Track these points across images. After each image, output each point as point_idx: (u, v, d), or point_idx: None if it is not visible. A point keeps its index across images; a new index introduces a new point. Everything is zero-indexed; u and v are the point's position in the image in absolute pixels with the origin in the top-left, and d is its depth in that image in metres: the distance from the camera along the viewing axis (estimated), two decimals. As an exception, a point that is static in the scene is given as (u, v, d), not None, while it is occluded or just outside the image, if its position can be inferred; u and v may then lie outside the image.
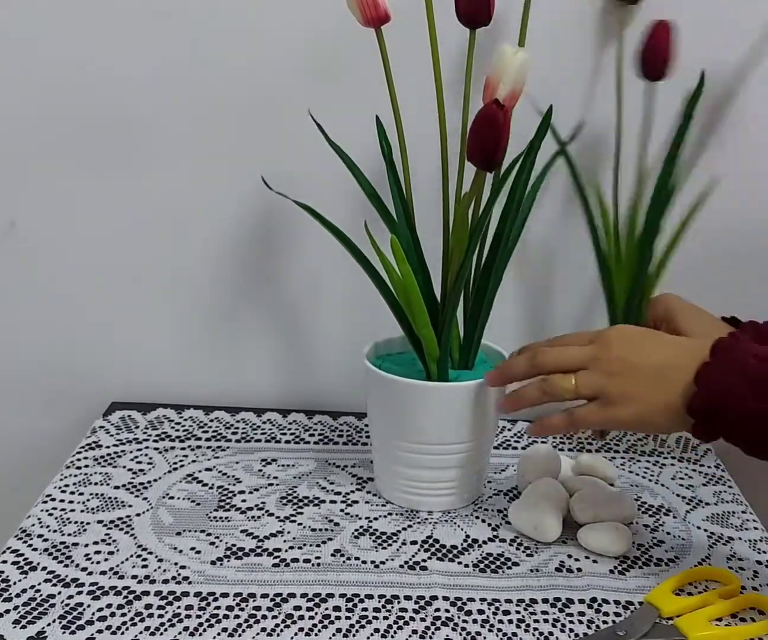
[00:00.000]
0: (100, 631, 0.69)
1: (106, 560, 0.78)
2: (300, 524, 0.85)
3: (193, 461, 0.95)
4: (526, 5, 0.83)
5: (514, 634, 0.71)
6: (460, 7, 0.81)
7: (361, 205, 0.89)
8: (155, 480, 0.91)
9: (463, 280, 0.82)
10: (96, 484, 0.90)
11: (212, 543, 0.81)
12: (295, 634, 0.70)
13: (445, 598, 0.75)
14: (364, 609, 0.73)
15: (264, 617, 0.72)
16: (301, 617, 0.72)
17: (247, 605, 0.73)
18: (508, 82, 0.75)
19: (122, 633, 0.69)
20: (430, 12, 0.79)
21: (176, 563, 0.78)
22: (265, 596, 0.74)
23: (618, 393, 0.74)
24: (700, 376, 0.70)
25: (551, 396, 0.76)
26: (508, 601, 0.75)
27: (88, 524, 0.83)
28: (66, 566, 0.77)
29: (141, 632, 0.69)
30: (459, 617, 0.73)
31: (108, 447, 0.97)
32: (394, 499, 0.89)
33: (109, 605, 0.72)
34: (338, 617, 0.72)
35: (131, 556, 0.78)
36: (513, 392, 0.80)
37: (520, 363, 0.79)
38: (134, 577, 0.76)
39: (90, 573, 0.76)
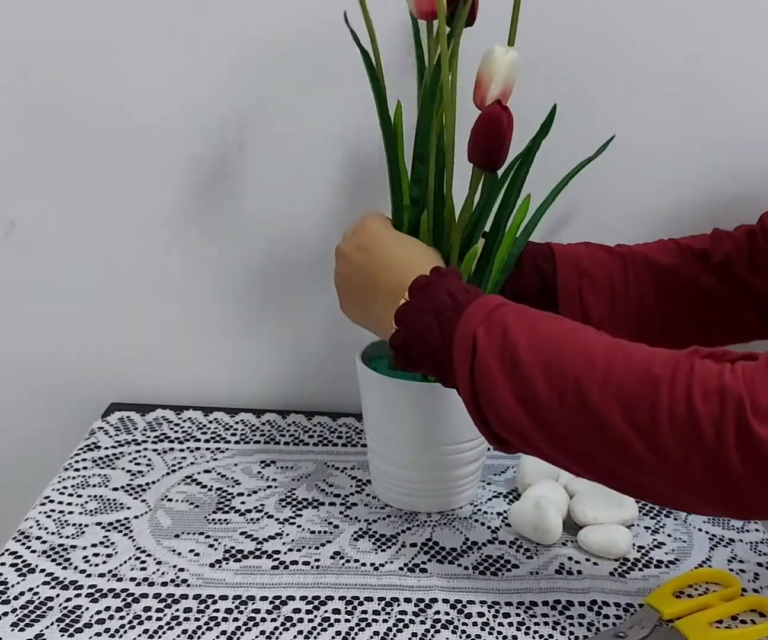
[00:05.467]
0: (98, 634, 0.69)
1: (104, 562, 0.77)
2: (299, 526, 0.85)
3: (192, 463, 0.95)
4: (516, 4, 0.82)
5: (514, 637, 0.71)
6: (448, 8, 0.79)
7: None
8: (154, 482, 0.91)
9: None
10: (94, 486, 0.89)
11: (211, 546, 0.81)
12: (295, 637, 0.70)
13: (445, 600, 0.75)
14: (364, 612, 0.73)
15: (263, 619, 0.72)
16: (301, 620, 0.72)
17: (246, 608, 0.73)
18: (500, 82, 0.75)
19: (121, 636, 0.69)
20: (441, 15, 0.78)
21: (175, 566, 0.78)
22: (264, 598, 0.74)
23: (340, 294, 0.82)
24: (398, 316, 0.72)
25: None
26: (508, 603, 0.75)
27: (86, 526, 0.83)
28: (64, 568, 0.76)
29: (140, 635, 0.69)
30: (459, 620, 0.73)
31: (107, 449, 0.97)
32: (390, 501, 0.89)
33: (107, 608, 0.72)
34: (338, 620, 0.72)
35: (130, 558, 0.78)
36: None
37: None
38: (133, 579, 0.75)
39: (88, 576, 0.75)
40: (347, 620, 0.72)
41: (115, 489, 0.89)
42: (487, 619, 0.73)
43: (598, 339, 0.66)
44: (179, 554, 0.79)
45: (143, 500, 0.87)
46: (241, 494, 0.89)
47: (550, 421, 0.64)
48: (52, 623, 0.70)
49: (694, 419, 0.58)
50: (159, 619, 0.71)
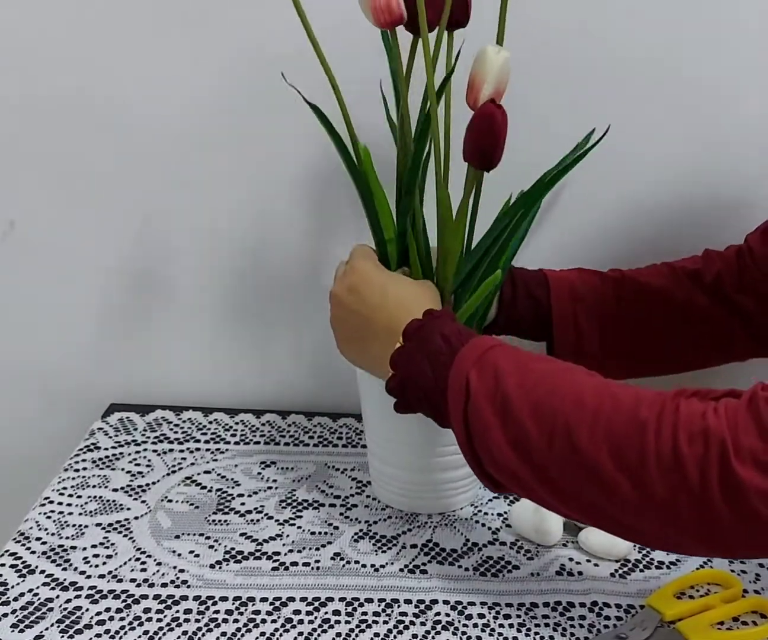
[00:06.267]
0: (98, 635, 0.69)
1: (104, 563, 0.77)
2: (299, 527, 0.85)
3: (192, 464, 0.95)
4: (503, 4, 0.82)
5: (515, 638, 0.71)
6: (439, 9, 0.79)
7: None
8: (154, 483, 0.91)
9: (458, 281, 0.82)
10: (94, 487, 0.89)
11: (211, 547, 0.81)
12: (295, 638, 0.70)
13: (446, 602, 0.75)
14: (364, 613, 0.73)
15: (263, 621, 0.71)
16: (301, 622, 0.72)
17: (246, 609, 0.73)
18: (492, 82, 0.75)
19: (121, 637, 0.69)
20: (422, 17, 0.77)
21: (175, 567, 0.77)
22: (264, 599, 0.74)
23: (336, 336, 0.81)
24: (393, 360, 0.73)
25: None
26: (509, 605, 0.75)
27: (86, 527, 0.83)
28: (64, 569, 0.76)
29: (140, 636, 0.69)
30: (459, 621, 0.73)
31: (106, 449, 0.97)
32: (390, 502, 0.89)
33: (107, 609, 0.72)
34: (338, 621, 0.72)
35: (130, 559, 0.78)
36: None
37: None
38: (133, 580, 0.75)
39: (88, 577, 0.75)
40: (347, 622, 0.72)
41: (115, 490, 0.89)
42: (488, 620, 0.73)
43: (587, 380, 0.66)
44: (179, 555, 0.79)
45: (143, 501, 0.87)
46: (241, 495, 0.89)
47: (541, 462, 0.65)
48: (52, 625, 0.69)
49: (680, 461, 0.59)
50: (159, 620, 0.71)
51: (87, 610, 0.71)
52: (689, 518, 0.59)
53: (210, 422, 1.04)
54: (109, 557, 0.78)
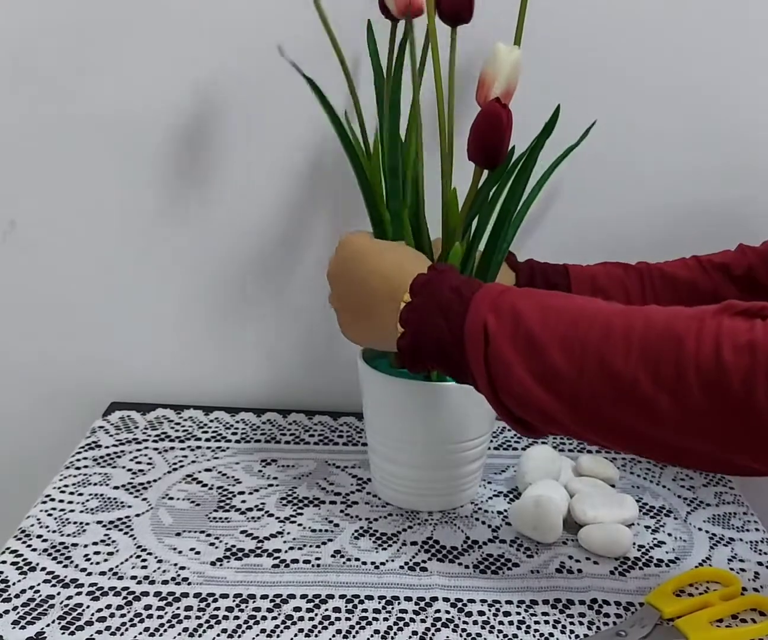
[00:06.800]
0: (99, 632, 0.69)
1: (105, 560, 0.77)
2: (300, 524, 0.85)
3: (193, 462, 0.95)
4: (523, 4, 0.82)
5: (515, 635, 0.71)
6: (443, 4, 0.79)
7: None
8: (155, 481, 0.91)
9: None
10: (95, 484, 0.89)
11: (212, 544, 0.81)
12: (295, 635, 0.70)
13: (446, 599, 0.75)
14: (364, 610, 0.73)
15: (264, 618, 0.72)
16: (301, 619, 0.72)
17: (246, 606, 0.73)
18: (503, 80, 0.75)
19: (122, 634, 0.69)
20: (431, 12, 0.78)
21: (176, 564, 0.78)
22: (264, 597, 0.74)
23: (340, 317, 0.80)
24: (403, 318, 0.71)
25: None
26: (509, 602, 0.75)
27: (87, 524, 0.83)
28: (65, 566, 0.76)
29: (140, 633, 0.69)
30: (459, 619, 0.73)
31: (107, 447, 0.97)
32: (391, 499, 0.89)
33: (108, 606, 0.72)
34: (338, 619, 0.72)
35: (131, 557, 0.78)
36: None
37: None
38: (134, 578, 0.75)
39: (89, 574, 0.76)
40: (348, 619, 0.72)
41: (116, 488, 0.89)
42: (488, 617, 0.73)
43: (612, 307, 0.65)
44: (180, 552, 0.79)
45: (144, 499, 0.87)
46: (242, 493, 0.89)
47: (574, 395, 0.63)
48: (53, 621, 0.70)
49: (723, 370, 0.57)
50: (160, 617, 0.71)
51: (88, 607, 0.72)
52: (734, 430, 0.58)
53: (211, 421, 1.04)
54: (110, 554, 0.78)
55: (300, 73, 0.80)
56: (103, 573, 0.76)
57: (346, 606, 0.74)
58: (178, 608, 0.72)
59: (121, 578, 0.75)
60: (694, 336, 0.59)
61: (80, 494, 0.87)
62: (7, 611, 0.70)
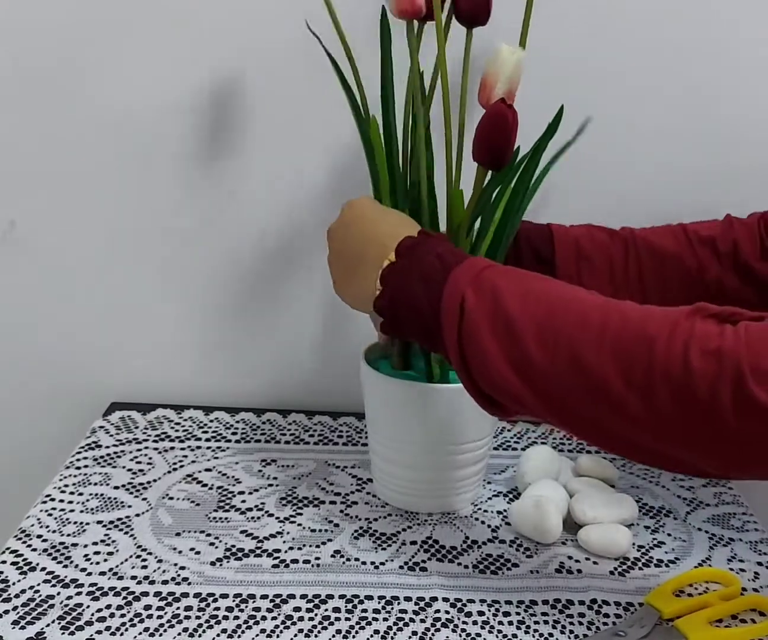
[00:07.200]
0: (99, 632, 0.69)
1: (105, 560, 0.78)
2: (300, 524, 0.85)
3: (193, 462, 0.95)
4: (528, 4, 0.82)
5: (514, 635, 0.71)
6: (461, 5, 0.80)
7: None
8: (155, 480, 0.91)
9: None
10: (95, 484, 0.89)
11: (212, 544, 0.81)
12: (295, 635, 0.70)
13: (445, 599, 0.75)
14: (364, 610, 0.73)
15: (264, 618, 0.72)
16: (301, 619, 0.72)
17: (246, 606, 0.73)
18: (505, 81, 0.75)
19: (121, 634, 0.69)
20: (438, 13, 0.78)
21: (176, 564, 0.78)
22: (264, 597, 0.74)
23: (333, 274, 0.79)
24: (383, 277, 0.71)
25: None
26: (508, 602, 0.75)
27: (87, 524, 0.83)
28: (65, 566, 0.76)
29: (140, 633, 0.69)
30: (459, 619, 0.73)
31: (107, 447, 0.97)
32: (390, 500, 0.89)
33: (108, 606, 0.72)
34: (338, 618, 0.72)
35: (131, 556, 0.78)
36: None
37: None
38: (134, 578, 0.75)
39: (89, 574, 0.76)
40: (347, 619, 0.72)
41: (116, 488, 0.89)
42: (487, 617, 0.73)
43: (591, 299, 0.65)
44: (180, 552, 0.79)
45: (144, 499, 0.87)
46: (241, 493, 0.89)
47: (544, 382, 0.63)
48: (53, 621, 0.70)
49: (689, 375, 0.57)
50: (160, 617, 0.71)
51: (88, 607, 0.72)
52: (701, 435, 0.58)
53: (211, 421, 1.04)
54: (110, 554, 0.78)
55: (325, 51, 0.79)
56: (103, 573, 0.76)
57: (345, 606, 0.74)
58: (178, 608, 0.72)
59: (121, 578, 0.75)
60: (665, 338, 0.59)
61: (80, 494, 0.87)
62: (7, 611, 0.70)
